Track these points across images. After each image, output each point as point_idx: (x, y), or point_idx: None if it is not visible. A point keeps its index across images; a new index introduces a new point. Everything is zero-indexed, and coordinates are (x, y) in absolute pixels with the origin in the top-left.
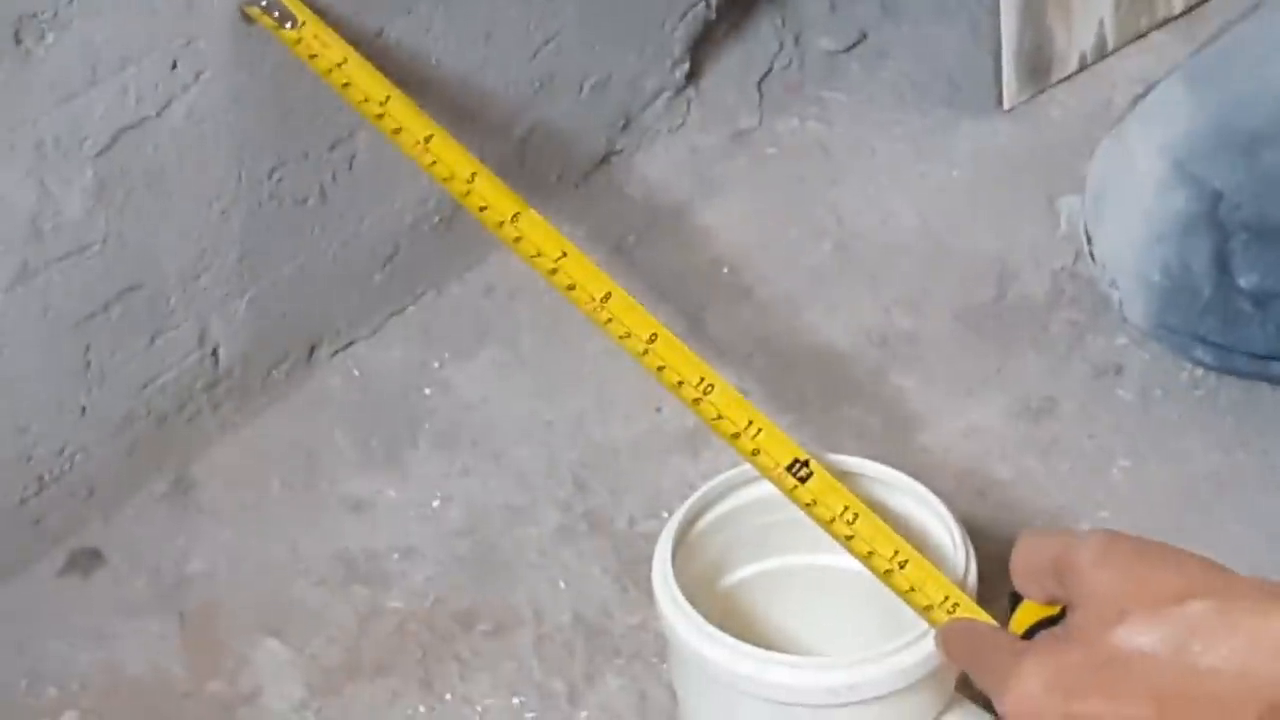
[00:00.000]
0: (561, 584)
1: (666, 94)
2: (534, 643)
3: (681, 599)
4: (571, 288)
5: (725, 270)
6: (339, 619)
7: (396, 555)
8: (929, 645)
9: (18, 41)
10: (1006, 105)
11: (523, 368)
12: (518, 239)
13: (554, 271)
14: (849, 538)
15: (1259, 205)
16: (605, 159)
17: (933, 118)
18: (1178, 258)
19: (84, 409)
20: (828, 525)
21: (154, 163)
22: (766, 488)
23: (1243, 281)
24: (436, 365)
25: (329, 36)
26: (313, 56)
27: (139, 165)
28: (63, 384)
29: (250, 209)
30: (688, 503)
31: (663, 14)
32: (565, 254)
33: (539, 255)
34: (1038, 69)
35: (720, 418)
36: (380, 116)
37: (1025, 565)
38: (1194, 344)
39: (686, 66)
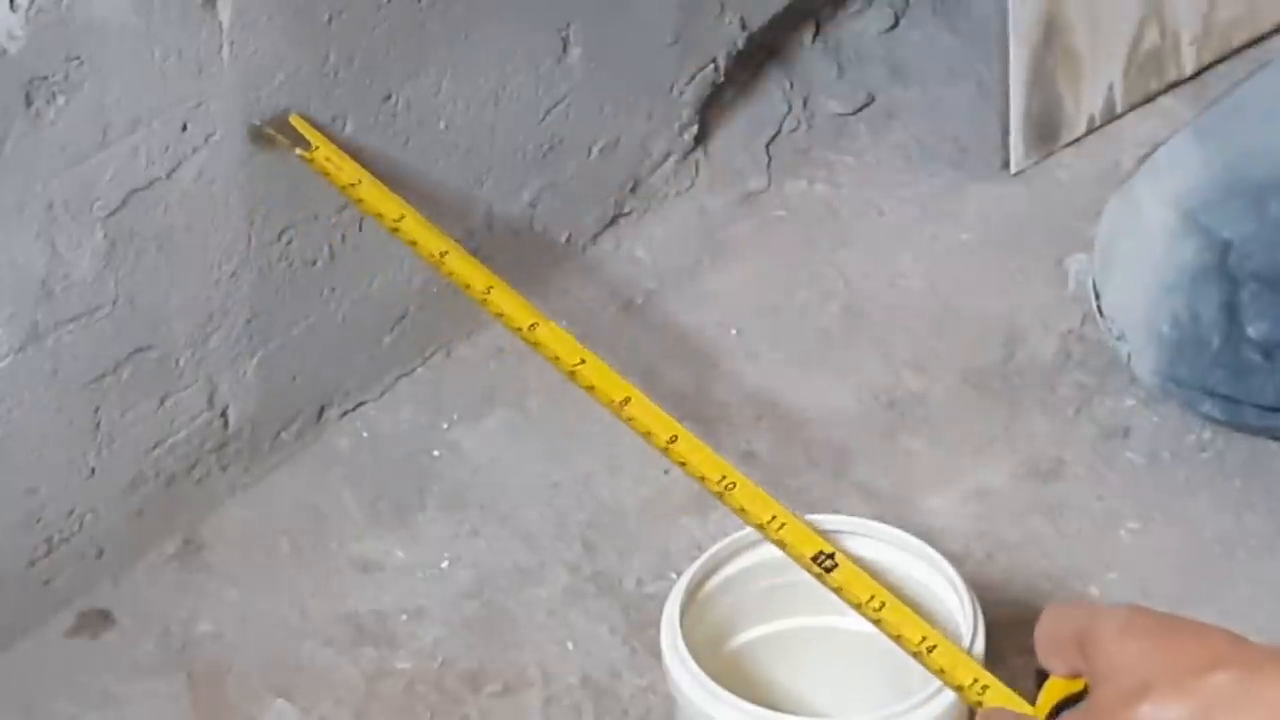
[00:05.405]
0: (570, 645)
1: (675, 156)
2: (542, 704)
3: (690, 660)
4: (591, 389)
5: (734, 332)
6: (347, 680)
7: (405, 616)
8: (935, 707)
9: (28, 104)
10: (1014, 169)
11: (531, 429)
12: (536, 344)
13: (573, 374)
14: (877, 622)
15: (1269, 255)
16: (614, 221)
17: (941, 180)
18: (1187, 308)
19: (93, 470)
20: (856, 609)
21: (164, 224)
22: (774, 550)
23: (1252, 331)
24: (445, 427)
25: (341, 160)
26: (327, 174)
27: (149, 227)
28: (72, 445)
29: (260, 270)
30: (696, 564)
31: (671, 77)
32: (584, 360)
33: (557, 359)
34: (1045, 133)
35: (744, 511)
36: (396, 231)
37: (1048, 640)
38: (1203, 397)
39: (695, 129)
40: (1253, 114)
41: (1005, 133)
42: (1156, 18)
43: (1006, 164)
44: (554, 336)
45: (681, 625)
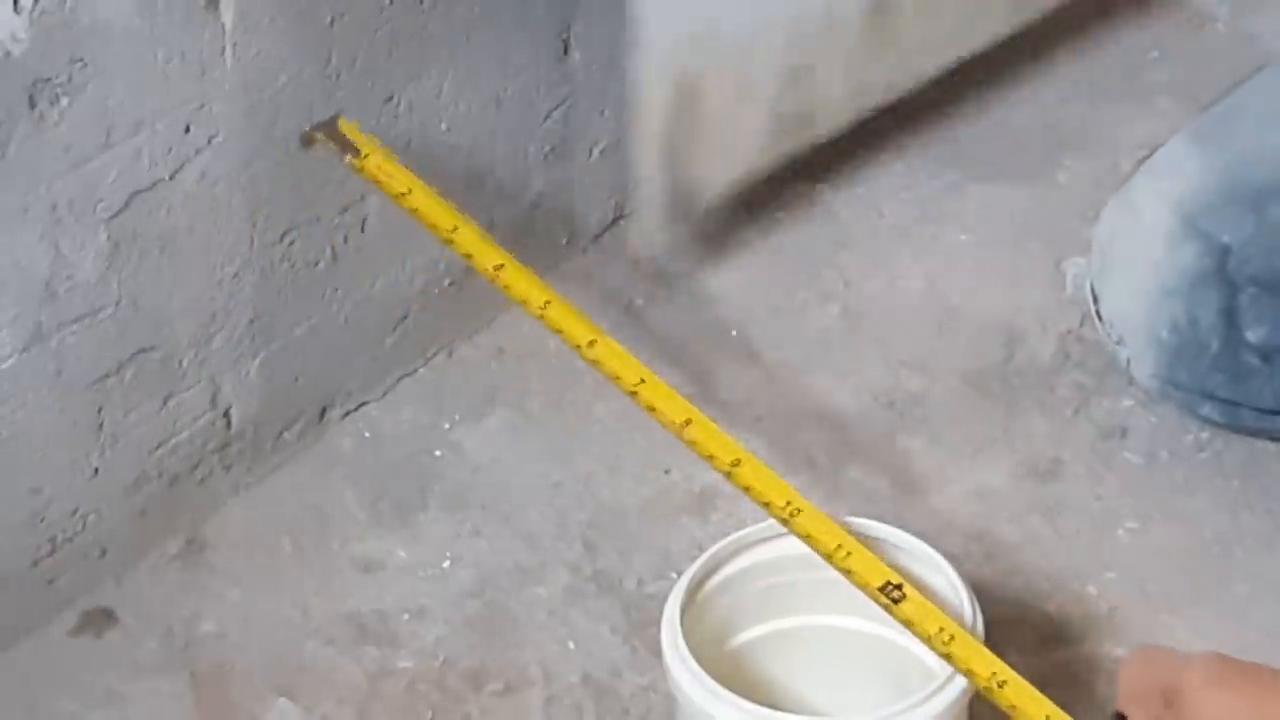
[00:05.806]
0: (571, 644)
1: None
2: (543, 703)
3: (690, 659)
4: (652, 409)
5: (733, 333)
6: (350, 679)
7: (406, 615)
8: (935, 707)
9: (32, 106)
10: (643, 247)
11: (532, 430)
12: (595, 362)
13: (634, 394)
14: (947, 655)
15: (1268, 259)
16: (614, 222)
17: (940, 181)
18: (1186, 313)
19: (96, 470)
20: (925, 642)
21: (167, 225)
22: (774, 550)
23: (1250, 336)
24: (447, 427)
25: (393, 168)
26: (379, 182)
27: (152, 228)
28: (75, 445)
29: (262, 271)
30: (696, 564)
31: None
32: (644, 380)
33: (618, 378)
34: (680, 202)
35: (809, 538)
36: (450, 242)
37: (1133, 688)
38: (1202, 401)
39: None
40: (1251, 117)
41: (634, 206)
42: (800, 78)
43: (637, 238)
44: (613, 354)
45: (682, 624)
